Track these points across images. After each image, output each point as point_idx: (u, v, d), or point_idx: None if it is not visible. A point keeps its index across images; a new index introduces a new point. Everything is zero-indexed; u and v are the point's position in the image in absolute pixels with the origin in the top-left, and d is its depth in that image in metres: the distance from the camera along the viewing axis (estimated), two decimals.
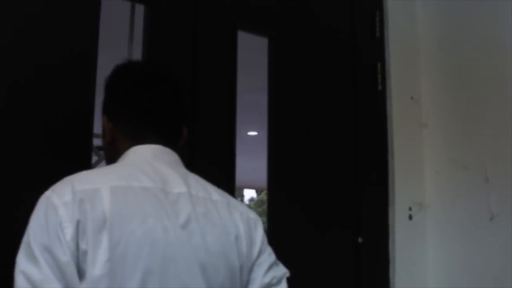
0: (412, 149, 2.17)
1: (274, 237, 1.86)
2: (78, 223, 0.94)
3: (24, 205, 1.37)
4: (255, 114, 2.36)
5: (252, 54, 1.92)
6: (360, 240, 2.00)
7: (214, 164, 1.72)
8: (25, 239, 0.98)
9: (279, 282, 1.20)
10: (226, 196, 1.17)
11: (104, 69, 1.60)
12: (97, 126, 1.54)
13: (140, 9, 1.68)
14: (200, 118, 1.71)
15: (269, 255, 1.19)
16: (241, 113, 1.89)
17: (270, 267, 1.18)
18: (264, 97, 1.92)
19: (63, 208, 0.97)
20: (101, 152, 1.68)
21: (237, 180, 1.79)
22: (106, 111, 1.21)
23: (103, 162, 1.71)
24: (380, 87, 2.13)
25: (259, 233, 1.18)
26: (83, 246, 0.93)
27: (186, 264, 1.01)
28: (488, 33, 2.08)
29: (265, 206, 1.91)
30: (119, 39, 1.76)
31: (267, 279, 1.16)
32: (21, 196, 1.38)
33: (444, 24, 2.23)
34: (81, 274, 0.93)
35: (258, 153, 1.92)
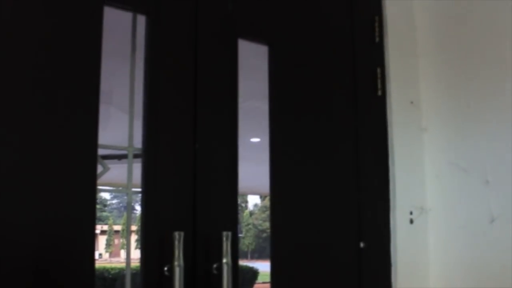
0: (412, 153, 2.18)
1: (277, 242, 1.88)
2: None
3: (29, 215, 1.40)
4: (258, 121, 2.38)
5: (256, 60, 1.94)
6: (362, 244, 2.02)
7: (217, 171, 1.74)
8: None
9: None
10: None
11: (107, 78, 1.63)
12: (102, 136, 1.57)
13: (141, 19, 1.71)
14: (202, 125, 1.73)
15: None
16: (244, 120, 1.91)
17: None
18: (266, 103, 1.94)
19: None
20: (106, 162, 1.70)
21: (240, 187, 1.81)
22: None
23: (109, 172, 1.74)
24: (380, 93, 2.15)
25: None
26: None
27: None
28: (487, 37, 2.10)
29: (269, 212, 1.93)
30: (121, 49, 1.78)
31: None
32: (27, 206, 1.41)
33: (443, 28, 2.25)
34: None
35: (261, 159, 1.93)
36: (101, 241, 36.04)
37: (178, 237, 1.57)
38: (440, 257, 2.12)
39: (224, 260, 1.64)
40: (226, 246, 1.65)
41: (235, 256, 1.68)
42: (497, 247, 1.98)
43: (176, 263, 1.55)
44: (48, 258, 1.42)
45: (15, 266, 1.37)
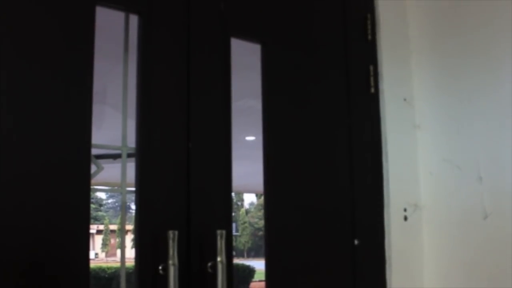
0: (405, 151, 2.19)
1: (271, 240, 1.89)
2: None
3: (23, 215, 1.41)
4: (253, 119, 2.39)
5: (249, 59, 1.94)
6: (356, 242, 2.02)
7: (210, 170, 1.75)
8: None
9: None
10: None
11: (100, 78, 1.63)
12: (97, 136, 1.57)
13: (134, 19, 1.71)
14: (196, 124, 1.73)
15: None
16: (239, 118, 1.91)
17: None
18: (260, 102, 1.95)
19: None
20: (102, 162, 1.70)
21: (236, 185, 1.81)
22: None
23: (104, 172, 1.75)
24: (373, 90, 2.16)
25: None
26: None
27: None
28: (480, 34, 2.11)
29: None
30: (114, 49, 1.78)
31: None
32: (20, 207, 1.41)
33: (435, 25, 2.26)
34: None
35: (257, 157, 1.94)
36: (97, 241, 36.00)
37: (173, 236, 1.57)
38: (434, 254, 2.13)
39: (219, 259, 1.64)
40: (221, 244, 1.65)
41: (229, 255, 1.69)
42: (490, 243, 1.99)
43: (170, 262, 1.55)
44: (42, 258, 1.42)
45: (8, 266, 1.37)
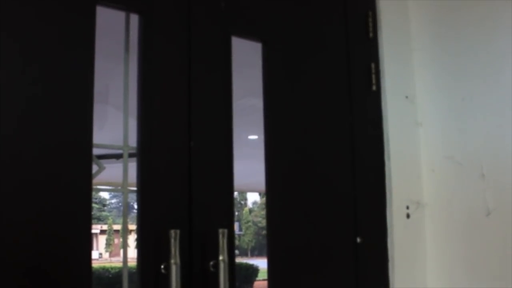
0: (408, 148, 2.19)
1: (274, 239, 1.88)
2: None
3: (24, 215, 1.41)
4: (255, 118, 2.39)
5: (252, 57, 1.94)
6: (358, 240, 2.02)
7: (212, 169, 1.75)
8: None
9: None
10: None
11: (101, 78, 1.63)
12: (99, 136, 1.57)
13: (134, 18, 1.71)
14: (197, 123, 1.73)
15: None
16: (242, 118, 1.91)
17: None
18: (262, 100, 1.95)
19: None
20: (104, 162, 1.70)
21: (239, 184, 1.81)
22: None
23: (107, 172, 1.75)
24: (374, 88, 2.15)
25: None
26: None
27: None
28: (482, 31, 2.10)
29: None
30: (115, 49, 1.78)
31: None
32: (22, 206, 1.41)
33: (437, 22, 2.25)
34: None
35: (260, 156, 1.94)
36: (101, 241, 36.06)
37: (174, 235, 1.57)
38: (437, 251, 2.13)
39: (221, 257, 1.64)
40: (223, 243, 1.65)
41: (232, 253, 1.69)
42: (493, 240, 1.99)
43: (172, 261, 1.55)
44: (44, 258, 1.43)
45: (10, 266, 1.37)
